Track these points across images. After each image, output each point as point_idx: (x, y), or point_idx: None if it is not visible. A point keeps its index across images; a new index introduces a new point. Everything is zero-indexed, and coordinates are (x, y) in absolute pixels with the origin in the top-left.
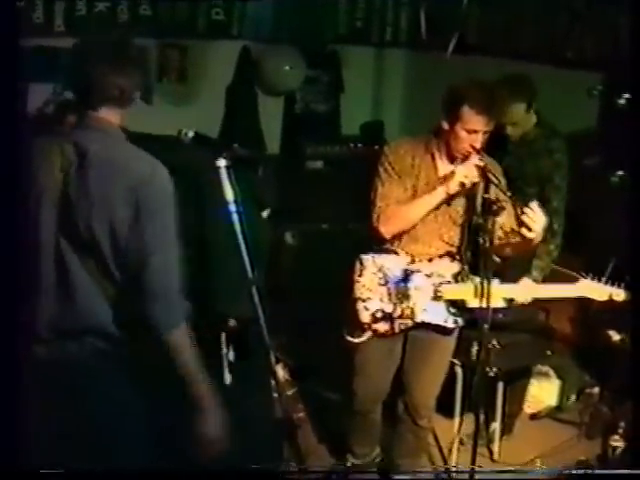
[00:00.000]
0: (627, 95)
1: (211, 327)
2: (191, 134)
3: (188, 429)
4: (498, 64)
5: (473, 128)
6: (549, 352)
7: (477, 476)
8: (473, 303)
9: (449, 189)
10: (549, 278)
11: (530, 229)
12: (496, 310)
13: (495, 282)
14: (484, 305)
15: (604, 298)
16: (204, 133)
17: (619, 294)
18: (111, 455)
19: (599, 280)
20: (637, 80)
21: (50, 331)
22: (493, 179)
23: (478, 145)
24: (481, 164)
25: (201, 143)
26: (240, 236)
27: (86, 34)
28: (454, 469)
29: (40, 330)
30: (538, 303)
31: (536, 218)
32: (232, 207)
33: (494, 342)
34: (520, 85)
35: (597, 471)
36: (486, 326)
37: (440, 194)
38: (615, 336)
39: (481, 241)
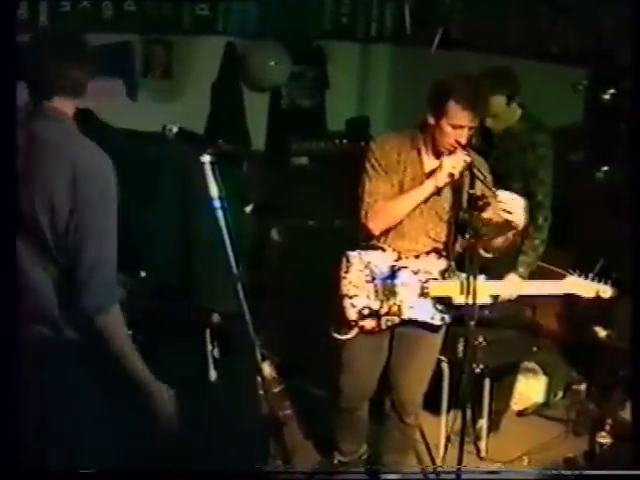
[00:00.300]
0: (612, 90)
1: (195, 323)
2: (175, 130)
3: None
4: (483, 59)
5: (459, 123)
6: (535, 349)
7: (464, 476)
8: (459, 300)
9: (437, 182)
10: (536, 275)
11: (511, 212)
12: (482, 307)
13: (481, 278)
14: (470, 302)
15: (591, 295)
16: (189, 129)
17: (605, 291)
18: (70, 443)
19: (586, 277)
20: (623, 75)
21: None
22: (478, 174)
23: (463, 140)
24: (467, 160)
25: (185, 139)
26: (225, 232)
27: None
28: (441, 469)
29: None
30: (524, 299)
31: (513, 202)
32: (217, 203)
33: (480, 339)
34: (501, 78)
35: (597, 472)
36: (472, 323)
37: (428, 187)
38: (601, 332)
39: (466, 237)
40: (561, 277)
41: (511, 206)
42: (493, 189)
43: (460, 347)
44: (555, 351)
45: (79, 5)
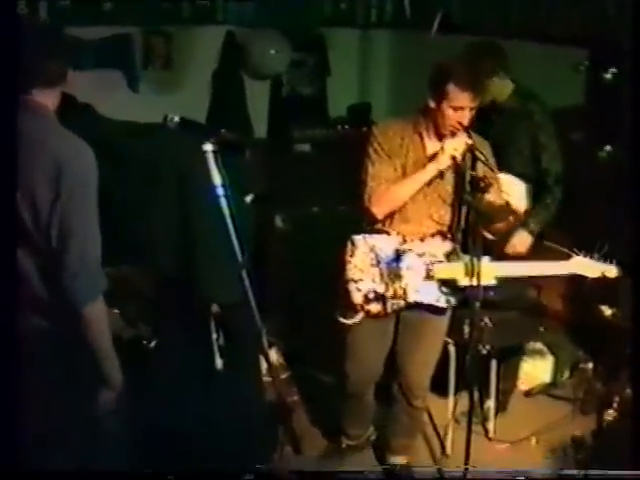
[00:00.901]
0: (613, 70)
1: (199, 312)
2: (177, 119)
3: None
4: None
5: (459, 105)
6: (542, 329)
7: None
8: (464, 281)
9: (440, 164)
10: (541, 255)
11: (510, 195)
12: (487, 288)
13: (485, 260)
14: (475, 283)
15: (597, 275)
16: (191, 118)
17: (611, 270)
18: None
19: (591, 257)
20: (624, 54)
21: None
22: (480, 156)
23: (465, 122)
24: (469, 142)
25: (187, 128)
26: (229, 220)
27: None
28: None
29: None
30: (529, 279)
31: (513, 186)
32: (220, 191)
33: (486, 320)
34: (486, 51)
35: (597, 472)
36: (477, 304)
37: (431, 170)
38: (607, 311)
39: (470, 219)
40: (566, 257)
41: (511, 189)
42: (495, 171)
43: (466, 328)
44: (561, 331)
45: None
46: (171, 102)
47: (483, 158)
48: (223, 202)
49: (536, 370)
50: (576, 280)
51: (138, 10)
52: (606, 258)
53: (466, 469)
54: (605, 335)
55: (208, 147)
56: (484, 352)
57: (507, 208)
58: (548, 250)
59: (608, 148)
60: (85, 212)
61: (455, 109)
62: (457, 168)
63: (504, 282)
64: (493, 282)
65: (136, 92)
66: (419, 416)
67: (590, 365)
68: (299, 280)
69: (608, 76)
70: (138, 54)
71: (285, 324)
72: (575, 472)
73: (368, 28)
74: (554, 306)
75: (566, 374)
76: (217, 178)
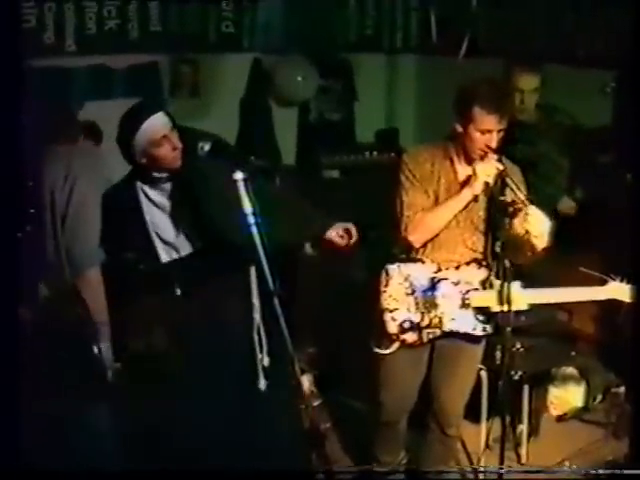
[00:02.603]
0: None
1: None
2: (207, 147)
3: None
4: (510, 65)
5: (486, 128)
6: (573, 353)
7: (505, 476)
8: (496, 308)
9: (474, 190)
10: (575, 281)
11: (532, 234)
12: (518, 312)
13: (517, 286)
14: (505, 309)
15: (632, 299)
16: (222, 145)
17: None
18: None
19: (628, 282)
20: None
21: None
22: (510, 182)
23: (494, 144)
24: (500, 167)
25: (218, 156)
26: (260, 247)
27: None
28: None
29: None
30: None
31: (540, 221)
32: (251, 219)
33: (517, 345)
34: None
35: (597, 472)
36: (509, 329)
37: (466, 196)
38: None
39: (498, 244)
40: (602, 283)
41: (536, 223)
42: (526, 198)
43: (498, 354)
44: (592, 355)
45: (105, 26)
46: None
47: (513, 184)
48: (254, 230)
49: (568, 395)
50: (608, 304)
51: (165, 38)
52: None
53: None
54: (637, 359)
55: (239, 176)
56: (516, 378)
57: (526, 242)
58: (581, 276)
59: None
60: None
61: (482, 132)
62: (488, 193)
63: (535, 306)
64: (524, 307)
65: None
66: (453, 444)
67: (622, 389)
68: (331, 307)
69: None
70: (165, 82)
71: (317, 351)
72: (575, 472)
73: (394, 53)
74: (585, 330)
75: (598, 398)
76: (248, 206)
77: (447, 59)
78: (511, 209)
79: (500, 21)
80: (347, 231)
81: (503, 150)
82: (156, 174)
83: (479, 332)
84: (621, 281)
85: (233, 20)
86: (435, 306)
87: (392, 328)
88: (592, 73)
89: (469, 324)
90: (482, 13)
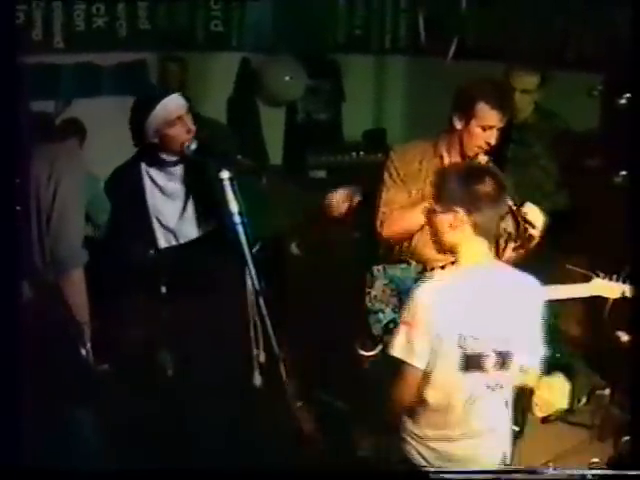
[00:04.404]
0: (628, 95)
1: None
2: (194, 146)
3: None
4: (498, 67)
5: (489, 124)
6: (558, 354)
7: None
8: None
9: None
10: (560, 279)
11: (534, 226)
12: None
13: None
14: None
15: (617, 296)
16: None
17: (628, 291)
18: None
19: (611, 278)
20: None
21: None
22: None
23: (493, 141)
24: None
25: (204, 155)
26: (245, 247)
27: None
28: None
29: None
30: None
31: (536, 215)
32: (237, 218)
33: None
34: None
35: (597, 471)
36: None
37: None
38: (624, 337)
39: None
40: (587, 280)
41: (535, 220)
42: (512, 197)
43: None
44: (578, 357)
45: (94, 24)
46: None
47: None
48: (240, 229)
49: (553, 396)
50: (593, 305)
51: (153, 36)
52: (625, 279)
53: None
54: (622, 361)
55: (225, 175)
56: None
57: (522, 236)
58: (568, 274)
59: (624, 173)
60: (70, 192)
61: (484, 128)
62: None
63: None
64: None
65: None
66: None
67: (607, 391)
68: (314, 307)
69: (622, 101)
70: (153, 80)
71: (301, 351)
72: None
73: (383, 54)
74: (571, 332)
75: (583, 400)
76: (234, 205)
77: (436, 60)
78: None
79: (489, 23)
80: (348, 196)
81: (496, 150)
82: (165, 156)
83: None
84: (604, 278)
85: (222, 19)
86: None
87: (377, 330)
88: (580, 76)
89: None
90: (471, 15)
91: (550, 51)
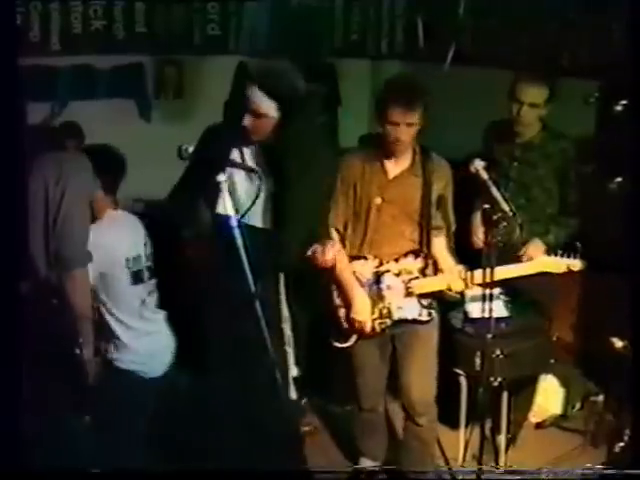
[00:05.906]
0: (624, 102)
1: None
2: (191, 150)
3: None
4: (495, 73)
5: (394, 120)
6: (553, 360)
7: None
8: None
9: None
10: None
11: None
12: (499, 319)
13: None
14: (486, 315)
15: (562, 270)
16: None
17: (575, 265)
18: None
19: (555, 254)
20: (634, 86)
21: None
22: (496, 194)
23: (403, 137)
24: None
25: (201, 158)
26: (241, 250)
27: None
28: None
29: None
30: (541, 311)
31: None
32: (233, 221)
33: (498, 351)
34: None
35: (597, 471)
36: (489, 335)
37: None
38: (618, 343)
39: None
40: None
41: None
42: (510, 208)
43: (477, 360)
44: (572, 363)
45: (91, 27)
46: (183, 131)
47: (499, 196)
48: (236, 232)
49: (547, 402)
50: (588, 311)
51: (150, 39)
52: (569, 253)
53: None
54: (616, 367)
55: (222, 177)
56: (495, 384)
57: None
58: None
59: (619, 180)
60: (74, 197)
61: (392, 124)
62: (424, 187)
63: (516, 314)
64: (505, 313)
65: (148, 121)
66: (428, 438)
67: (601, 397)
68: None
69: (618, 108)
70: (150, 83)
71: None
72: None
73: (379, 59)
74: (565, 338)
75: (577, 406)
76: (230, 208)
77: (433, 66)
78: (495, 217)
79: (486, 30)
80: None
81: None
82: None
83: (425, 317)
84: (546, 254)
85: (219, 22)
86: (382, 297)
87: (345, 322)
88: (576, 83)
89: (415, 311)
90: (469, 20)
91: (547, 58)
